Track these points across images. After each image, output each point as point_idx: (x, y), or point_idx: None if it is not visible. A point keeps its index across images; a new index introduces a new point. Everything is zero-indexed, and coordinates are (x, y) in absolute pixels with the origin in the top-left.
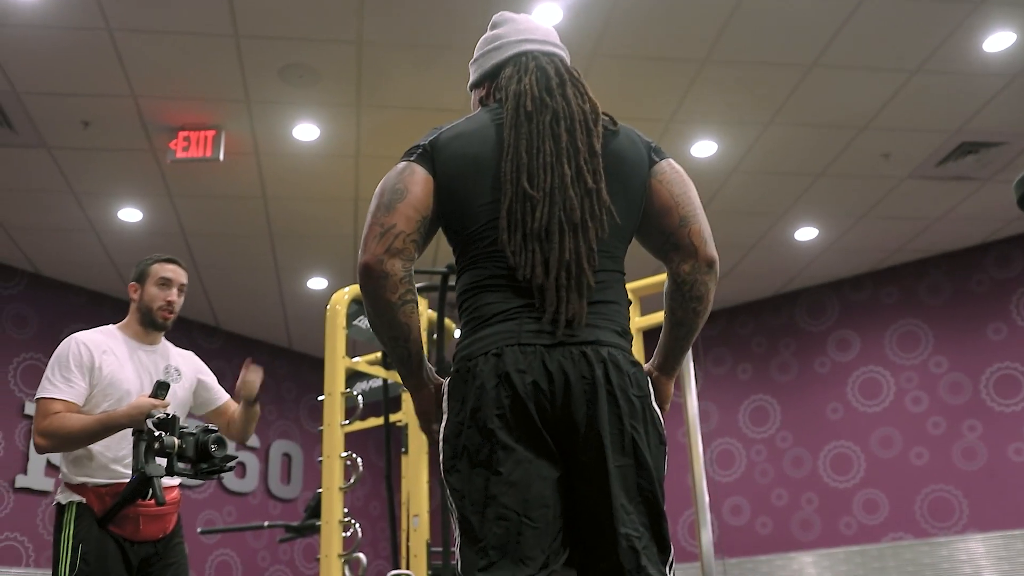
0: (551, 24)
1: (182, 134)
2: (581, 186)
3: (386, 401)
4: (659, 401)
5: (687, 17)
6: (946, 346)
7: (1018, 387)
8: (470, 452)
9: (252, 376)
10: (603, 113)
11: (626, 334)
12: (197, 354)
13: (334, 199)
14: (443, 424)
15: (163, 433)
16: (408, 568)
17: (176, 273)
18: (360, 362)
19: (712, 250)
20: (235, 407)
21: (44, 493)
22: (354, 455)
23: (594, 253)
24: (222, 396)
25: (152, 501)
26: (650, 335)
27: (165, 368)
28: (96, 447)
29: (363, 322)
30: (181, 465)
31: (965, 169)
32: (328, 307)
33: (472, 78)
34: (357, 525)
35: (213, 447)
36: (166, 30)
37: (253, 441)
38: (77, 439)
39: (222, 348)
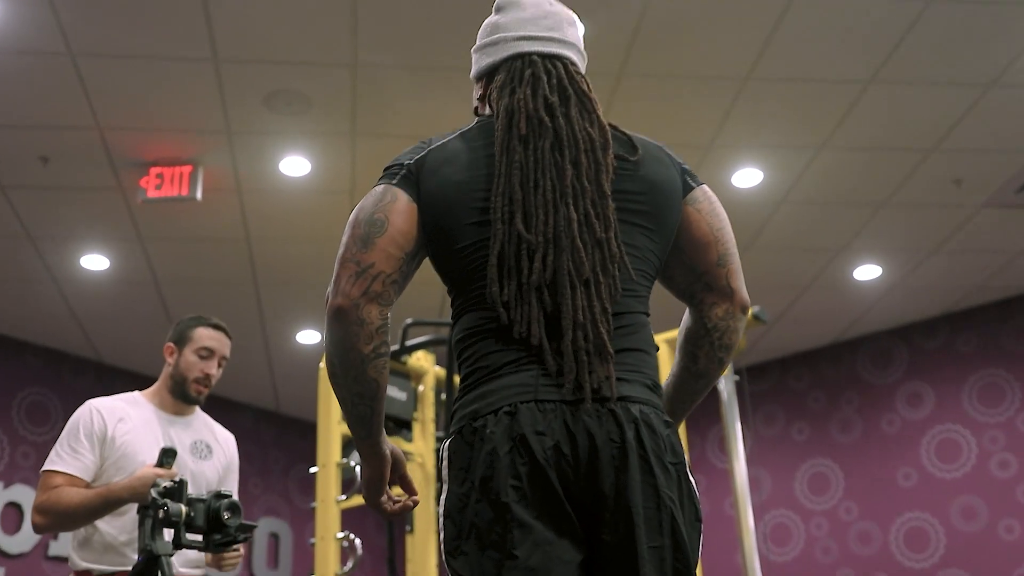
0: None
1: (155, 170)
2: (590, 235)
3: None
4: None
5: (726, 29)
6: None
7: None
8: (479, 531)
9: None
10: (621, 132)
11: (657, 388)
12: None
13: (327, 240)
14: (443, 496)
15: (168, 501)
16: None
17: (221, 343)
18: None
19: (747, 295)
20: None
21: None
22: (351, 535)
23: (608, 314)
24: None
25: None
26: None
27: (193, 444)
28: (104, 527)
29: None
30: (191, 537)
31: None
32: (321, 364)
33: (472, 70)
34: None
35: (226, 515)
36: (137, 54)
37: None
38: (75, 516)
39: None
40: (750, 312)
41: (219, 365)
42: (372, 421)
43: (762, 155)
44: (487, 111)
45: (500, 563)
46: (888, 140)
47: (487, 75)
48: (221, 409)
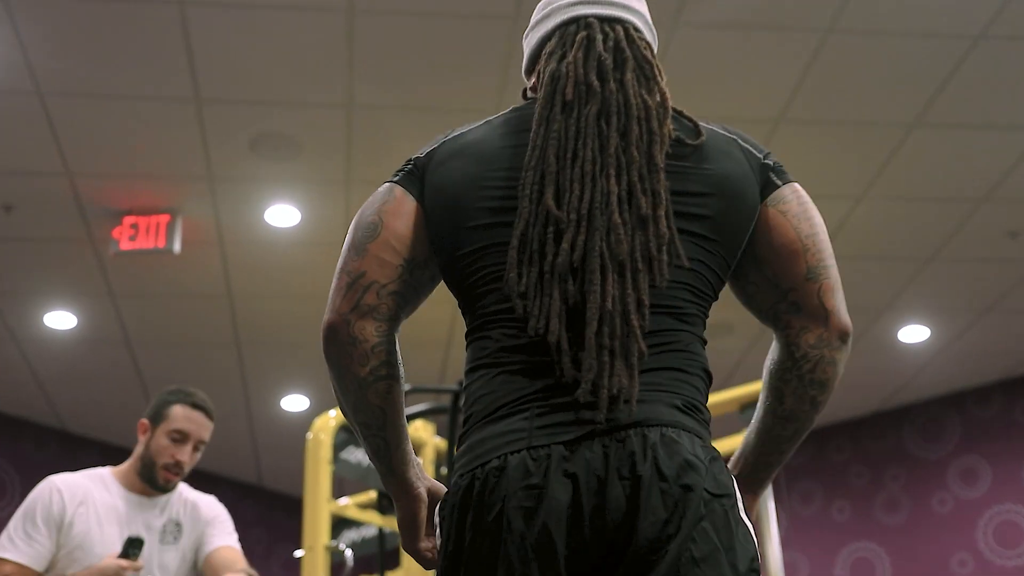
0: None
1: (128, 220)
2: (633, 211)
3: (381, 556)
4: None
5: (758, 68)
6: None
7: None
8: None
9: None
10: (686, 118)
11: (694, 410)
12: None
13: (316, 297)
14: (439, 562)
15: None
16: None
17: (198, 426)
18: (349, 505)
19: (847, 318)
20: (226, 561)
21: None
22: None
23: (645, 308)
24: (213, 541)
25: None
26: None
27: (163, 527)
28: None
29: (353, 455)
30: None
31: None
32: (310, 435)
33: (523, 63)
34: None
35: None
36: (111, 94)
37: None
38: None
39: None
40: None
41: (195, 449)
42: (390, 455)
43: None
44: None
45: None
46: (935, 189)
47: (536, 58)
48: (198, 482)
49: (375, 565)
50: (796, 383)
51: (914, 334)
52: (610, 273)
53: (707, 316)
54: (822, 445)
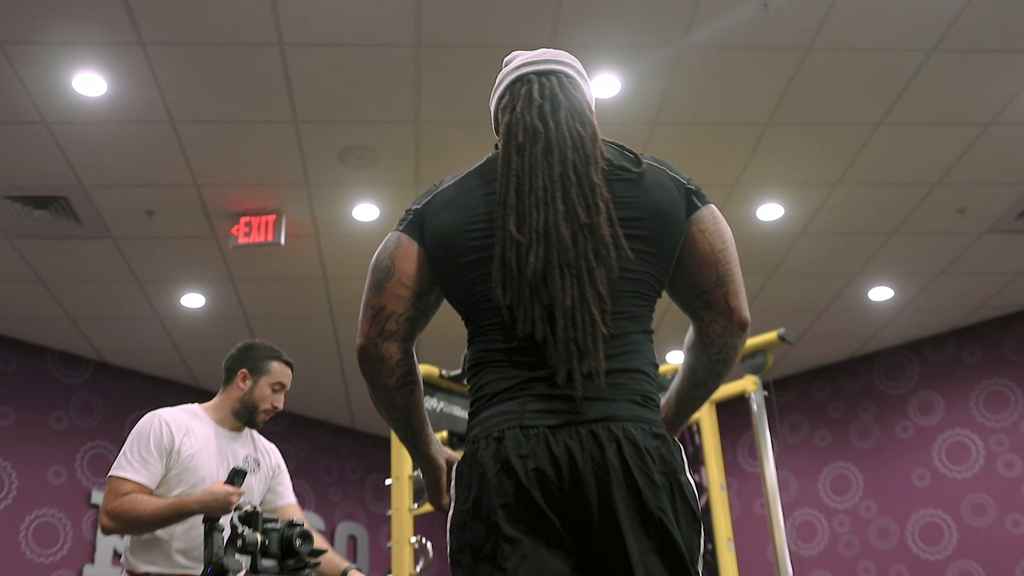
0: (610, 94)
1: (244, 219)
2: (575, 222)
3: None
4: None
5: (748, 80)
6: None
7: None
8: (473, 546)
9: None
10: (629, 151)
11: (649, 401)
12: (261, 436)
13: None
14: (450, 513)
15: (247, 529)
16: None
17: (290, 379)
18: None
19: (746, 312)
20: (296, 515)
21: None
22: (423, 539)
23: (603, 299)
24: (285, 498)
25: None
26: (724, 408)
27: (245, 458)
28: (163, 534)
29: (428, 403)
30: (266, 563)
31: None
32: None
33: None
34: None
35: (298, 542)
36: (227, 119)
37: (318, 523)
38: (146, 524)
39: (286, 430)
40: (779, 332)
41: (284, 398)
42: (415, 440)
43: (783, 192)
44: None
45: (491, 574)
46: (897, 175)
47: (498, 112)
48: (304, 427)
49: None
50: (706, 361)
51: (881, 294)
52: (567, 276)
53: (653, 312)
54: (806, 385)
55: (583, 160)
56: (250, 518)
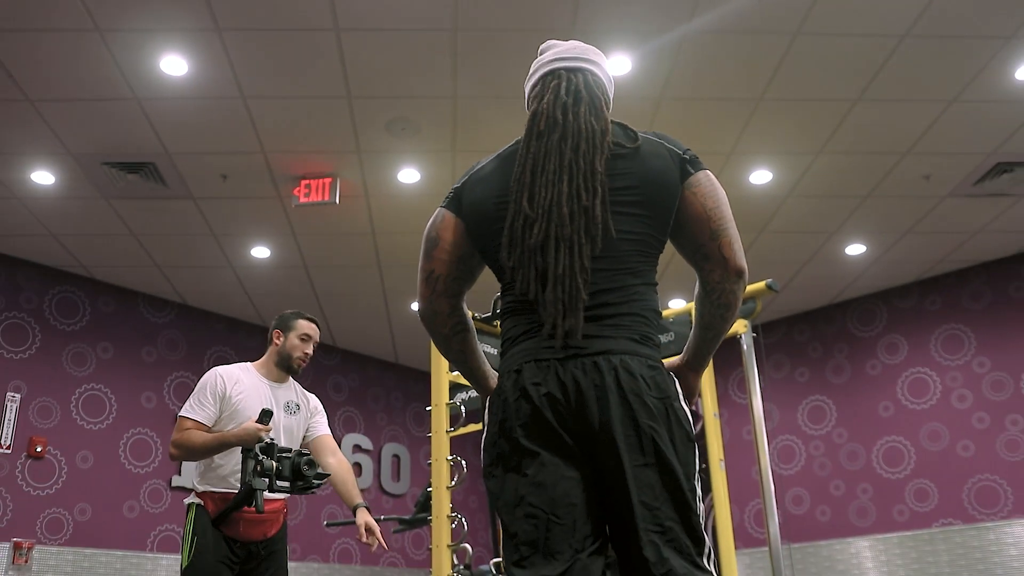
0: (622, 72)
1: (304, 182)
2: (575, 203)
3: (484, 408)
4: (687, 395)
5: (743, 60)
6: (988, 348)
7: None
8: (503, 459)
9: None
10: (630, 129)
11: (647, 340)
12: (316, 369)
13: None
14: (483, 435)
15: (265, 457)
16: None
17: (315, 332)
18: (461, 376)
19: (741, 260)
20: (330, 447)
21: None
22: (458, 458)
23: (587, 270)
24: (319, 431)
25: (254, 508)
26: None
27: (286, 403)
28: (217, 461)
29: None
30: (280, 483)
31: (1000, 187)
32: None
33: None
34: (462, 518)
35: (305, 467)
36: (290, 95)
37: (367, 444)
38: (199, 452)
39: (339, 364)
40: (767, 282)
41: (313, 347)
42: (473, 375)
43: (772, 159)
44: None
45: (517, 481)
46: (871, 146)
47: (530, 97)
48: (354, 362)
49: (479, 416)
50: (710, 306)
51: (855, 250)
52: (561, 248)
53: (656, 266)
54: (789, 329)
55: (591, 150)
56: (268, 449)
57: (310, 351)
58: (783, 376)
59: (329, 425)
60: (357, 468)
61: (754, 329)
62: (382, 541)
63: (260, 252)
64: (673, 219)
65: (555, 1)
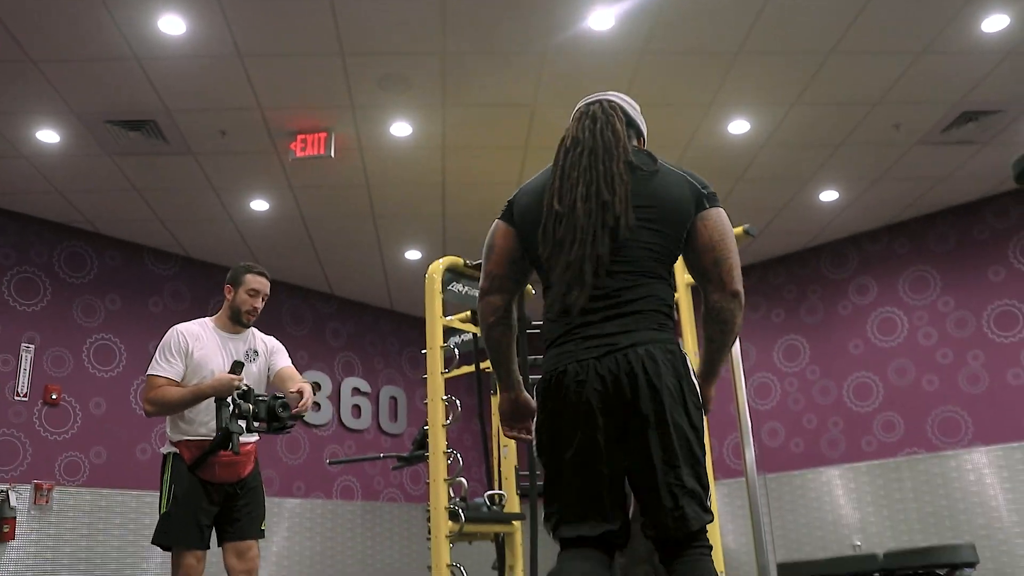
0: (605, 27)
1: (300, 137)
2: (594, 200)
3: (476, 352)
4: (704, 403)
5: (722, 15)
6: (952, 288)
7: (1015, 321)
8: (552, 437)
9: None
10: (648, 153)
11: (664, 327)
12: (315, 317)
13: (425, 184)
14: (535, 420)
15: (242, 401)
16: (501, 488)
17: (263, 285)
18: (454, 320)
19: (738, 285)
20: (290, 376)
21: None
22: (453, 397)
23: (602, 258)
24: (278, 364)
25: (230, 451)
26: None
27: (245, 352)
28: (189, 413)
29: (455, 287)
30: (257, 424)
31: (966, 135)
32: (427, 275)
33: None
34: (458, 455)
35: (280, 410)
36: (285, 53)
37: (365, 387)
38: (175, 406)
39: (336, 311)
40: (744, 228)
41: (263, 300)
42: (500, 368)
43: (749, 110)
44: None
45: (561, 456)
46: (844, 96)
47: None
48: (351, 309)
49: (471, 358)
50: (710, 322)
51: (829, 196)
52: (576, 240)
53: (671, 268)
54: (765, 272)
55: (608, 157)
56: (245, 395)
57: (259, 305)
58: (759, 317)
59: (328, 371)
60: (356, 410)
61: None
62: (308, 404)
63: (259, 205)
64: (684, 241)
65: None
